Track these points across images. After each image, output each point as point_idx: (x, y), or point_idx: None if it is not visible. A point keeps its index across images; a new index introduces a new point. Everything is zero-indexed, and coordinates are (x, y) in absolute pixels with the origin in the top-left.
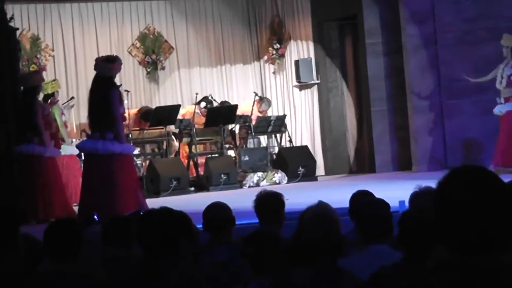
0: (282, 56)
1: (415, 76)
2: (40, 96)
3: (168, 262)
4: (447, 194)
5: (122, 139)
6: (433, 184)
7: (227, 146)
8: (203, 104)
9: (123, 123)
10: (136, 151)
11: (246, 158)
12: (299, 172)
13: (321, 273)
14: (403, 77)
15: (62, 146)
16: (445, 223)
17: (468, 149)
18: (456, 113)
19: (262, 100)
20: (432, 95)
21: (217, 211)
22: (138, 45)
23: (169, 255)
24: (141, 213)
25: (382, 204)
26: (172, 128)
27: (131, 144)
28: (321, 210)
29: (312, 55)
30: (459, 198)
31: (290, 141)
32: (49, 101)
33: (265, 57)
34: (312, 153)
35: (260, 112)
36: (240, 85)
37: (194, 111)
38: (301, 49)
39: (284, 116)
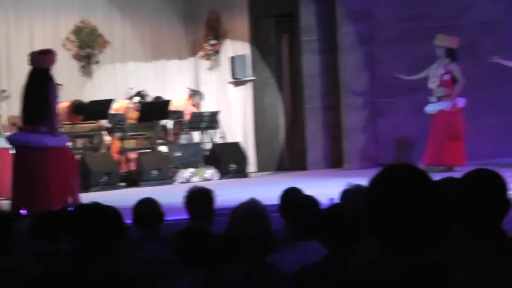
0: (218, 52)
1: (349, 74)
2: None
3: (99, 258)
4: (379, 191)
5: (57, 132)
6: (363, 181)
7: (160, 141)
8: (136, 98)
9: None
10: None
11: (179, 154)
12: (231, 169)
13: (251, 269)
14: (338, 75)
15: None
16: (377, 220)
17: (400, 147)
18: (389, 112)
19: (195, 93)
20: (366, 93)
21: (146, 206)
22: (72, 38)
23: (99, 250)
24: (70, 208)
25: (312, 201)
26: (104, 122)
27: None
28: (252, 207)
29: (248, 52)
30: (391, 195)
31: (223, 137)
32: None
33: (201, 53)
34: (246, 150)
35: (193, 105)
36: (175, 81)
37: (127, 106)
38: (237, 45)
39: (218, 112)
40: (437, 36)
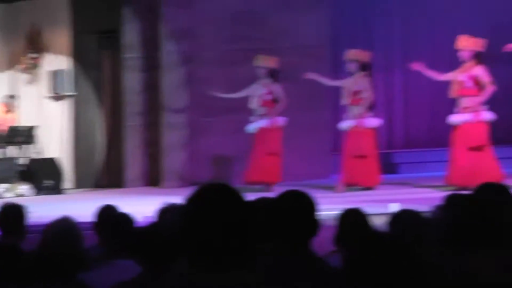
0: (37, 66)
1: (170, 93)
2: None
3: None
4: (193, 210)
5: None
6: (180, 200)
7: None
8: None
9: None
10: None
11: None
12: (46, 185)
13: (63, 286)
14: (159, 93)
15: None
16: (190, 239)
17: (219, 167)
18: (208, 131)
19: (8, 99)
20: (186, 112)
21: None
22: None
23: None
24: None
25: (127, 219)
26: None
27: None
28: (64, 224)
29: (69, 67)
30: (204, 214)
31: (39, 153)
32: None
33: (19, 66)
34: (63, 166)
35: (10, 112)
36: None
37: None
38: (58, 60)
39: (34, 127)
40: (258, 57)
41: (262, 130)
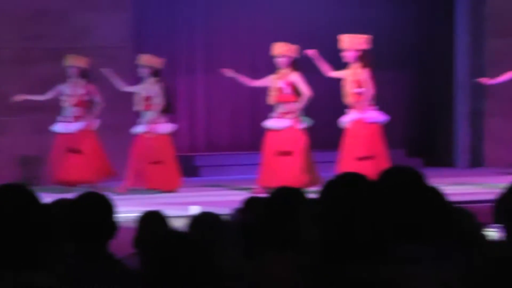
0: None
1: None
2: None
3: None
4: None
5: None
6: None
7: None
8: None
9: None
10: None
11: None
12: None
13: None
14: None
15: None
16: None
17: (18, 167)
18: (6, 131)
19: None
20: None
21: None
22: None
23: None
24: None
25: None
26: None
27: None
28: None
29: None
30: None
31: None
32: None
33: None
34: None
35: None
36: None
37: None
38: None
39: None
40: (68, 56)
41: (76, 131)
